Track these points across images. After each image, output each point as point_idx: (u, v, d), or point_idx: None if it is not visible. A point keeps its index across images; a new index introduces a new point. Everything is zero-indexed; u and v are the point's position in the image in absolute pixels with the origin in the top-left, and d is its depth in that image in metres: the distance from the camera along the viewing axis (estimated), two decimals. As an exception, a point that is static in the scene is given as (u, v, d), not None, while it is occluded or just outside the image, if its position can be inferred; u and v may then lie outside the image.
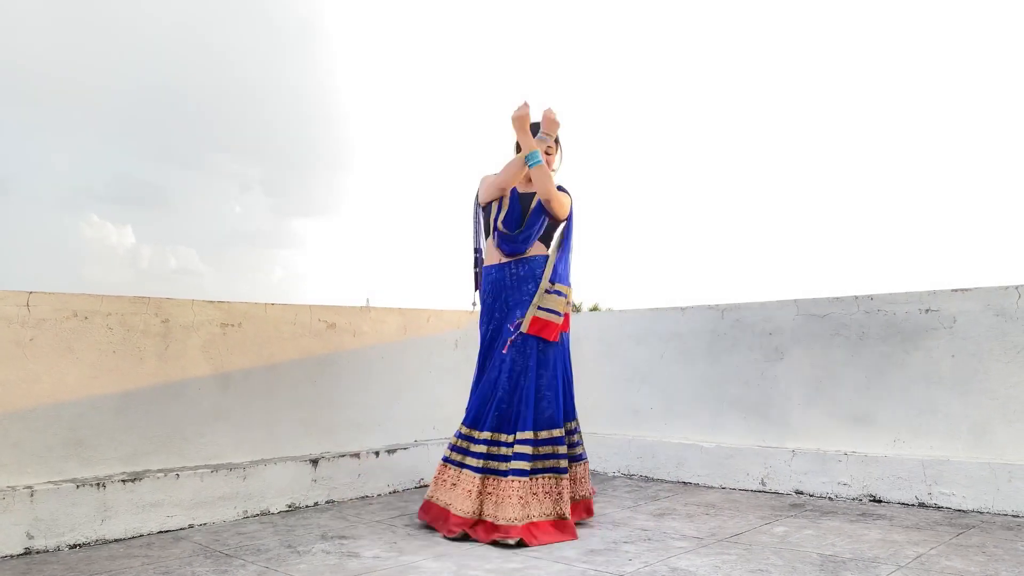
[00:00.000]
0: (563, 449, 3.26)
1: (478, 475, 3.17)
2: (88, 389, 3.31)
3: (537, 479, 3.17)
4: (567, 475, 3.25)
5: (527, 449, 3.16)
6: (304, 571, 2.64)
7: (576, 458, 3.42)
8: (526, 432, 3.19)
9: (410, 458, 4.35)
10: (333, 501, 3.95)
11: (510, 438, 3.22)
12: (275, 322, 3.99)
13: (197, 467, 3.53)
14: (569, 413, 3.44)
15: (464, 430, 3.33)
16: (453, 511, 3.17)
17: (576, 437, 3.45)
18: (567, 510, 3.17)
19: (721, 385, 4.48)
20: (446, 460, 3.34)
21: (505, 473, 3.15)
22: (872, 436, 3.88)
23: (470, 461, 3.23)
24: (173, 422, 3.55)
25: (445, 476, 3.30)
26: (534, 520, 3.09)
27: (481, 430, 3.27)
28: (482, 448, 3.22)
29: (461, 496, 3.17)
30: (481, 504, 3.14)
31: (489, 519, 3.09)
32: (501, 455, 3.21)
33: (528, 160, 3.31)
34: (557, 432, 3.26)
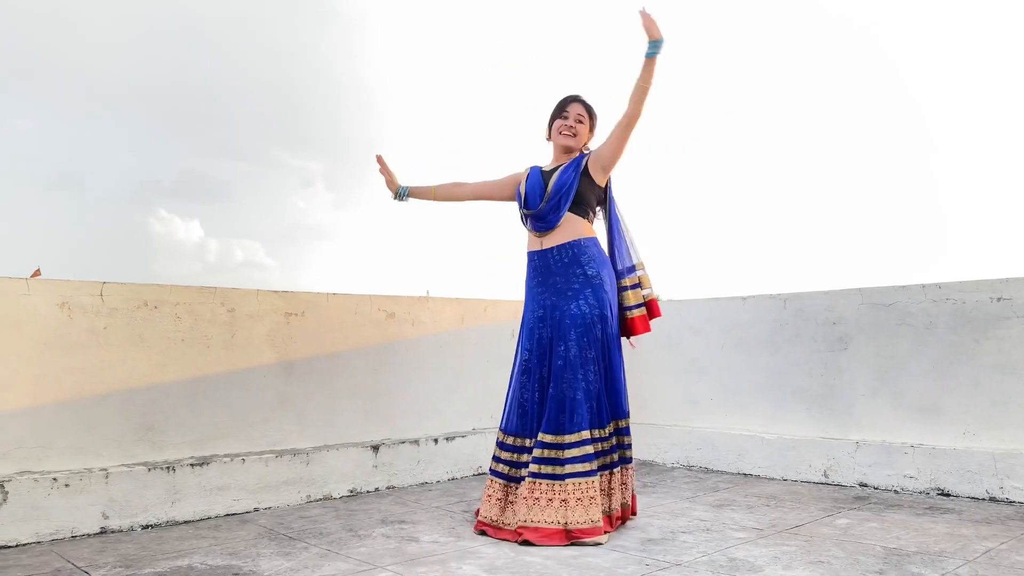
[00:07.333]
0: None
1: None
2: (158, 376, 3.42)
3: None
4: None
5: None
6: (364, 554, 2.70)
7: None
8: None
9: (468, 445, 4.40)
10: (393, 487, 4.02)
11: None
12: (337, 311, 4.06)
13: (262, 452, 3.63)
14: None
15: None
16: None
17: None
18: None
19: (783, 376, 4.41)
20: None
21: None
22: (940, 428, 3.77)
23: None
24: (239, 408, 3.65)
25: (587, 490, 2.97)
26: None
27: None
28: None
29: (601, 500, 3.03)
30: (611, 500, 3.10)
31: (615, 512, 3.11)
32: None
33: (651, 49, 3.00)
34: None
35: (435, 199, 3.51)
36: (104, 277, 3.33)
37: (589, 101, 3.32)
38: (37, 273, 4.78)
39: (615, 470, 3.10)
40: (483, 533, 3.01)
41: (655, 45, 3.00)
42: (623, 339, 3.30)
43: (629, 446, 3.20)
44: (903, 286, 3.96)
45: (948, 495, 3.62)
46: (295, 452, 3.70)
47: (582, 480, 2.93)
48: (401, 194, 3.49)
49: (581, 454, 2.97)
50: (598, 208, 3.30)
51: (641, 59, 3.03)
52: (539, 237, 3.22)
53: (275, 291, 3.86)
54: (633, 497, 3.24)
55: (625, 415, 3.20)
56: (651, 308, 3.32)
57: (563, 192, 3.14)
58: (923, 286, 3.89)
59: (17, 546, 2.87)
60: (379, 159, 3.50)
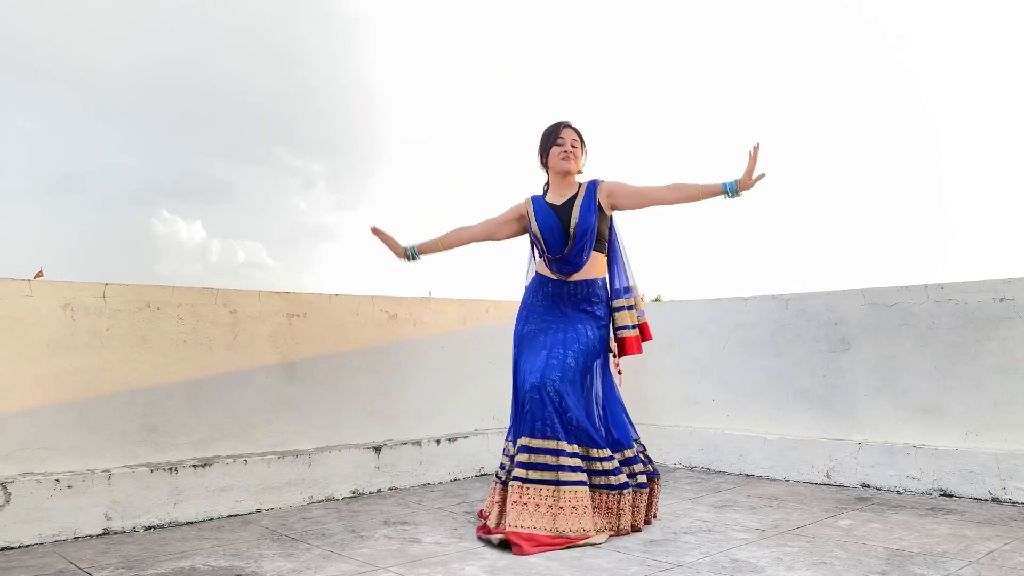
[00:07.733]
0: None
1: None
2: (160, 377, 3.43)
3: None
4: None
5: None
6: (366, 556, 2.70)
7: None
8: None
9: (470, 446, 4.40)
10: (395, 488, 4.02)
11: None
12: (339, 312, 4.06)
13: (264, 453, 3.63)
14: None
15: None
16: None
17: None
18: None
19: (785, 376, 4.41)
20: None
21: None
22: (942, 429, 3.77)
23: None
24: (241, 409, 3.65)
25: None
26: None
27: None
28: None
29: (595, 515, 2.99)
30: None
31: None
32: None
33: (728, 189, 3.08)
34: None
35: (443, 248, 3.49)
36: (106, 278, 3.34)
37: (576, 125, 3.33)
38: (40, 274, 4.78)
39: (625, 491, 3.01)
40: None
41: (736, 192, 3.04)
42: (612, 359, 3.31)
43: (641, 473, 3.14)
44: (905, 287, 3.96)
45: (951, 496, 3.61)
46: (297, 453, 3.70)
47: (577, 488, 2.92)
48: (411, 254, 3.48)
49: (572, 464, 2.96)
50: None
51: (718, 178, 3.06)
52: (559, 273, 3.24)
53: (277, 292, 3.86)
54: (648, 516, 3.17)
55: (629, 446, 3.19)
56: (643, 331, 3.34)
57: (588, 236, 3.19)
58: (925, 287, 3.88)
59: (20, 547, 2.87)
60: (374, 231, 3.51)
